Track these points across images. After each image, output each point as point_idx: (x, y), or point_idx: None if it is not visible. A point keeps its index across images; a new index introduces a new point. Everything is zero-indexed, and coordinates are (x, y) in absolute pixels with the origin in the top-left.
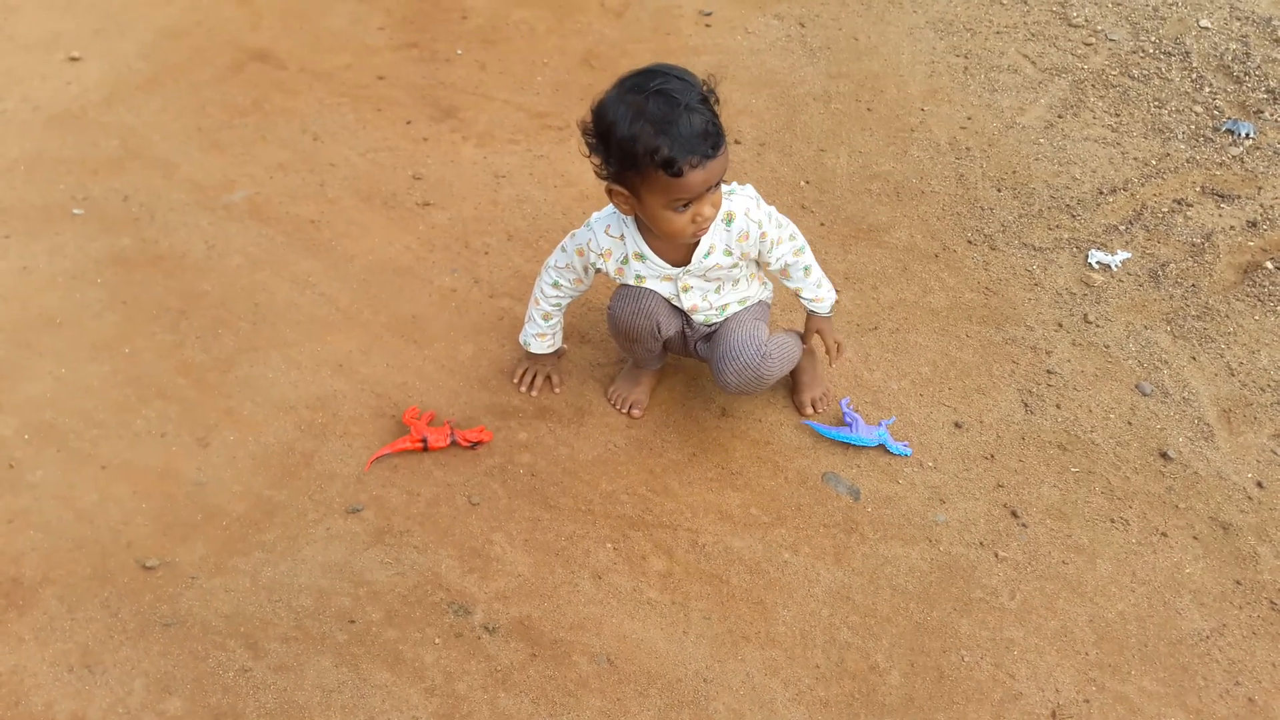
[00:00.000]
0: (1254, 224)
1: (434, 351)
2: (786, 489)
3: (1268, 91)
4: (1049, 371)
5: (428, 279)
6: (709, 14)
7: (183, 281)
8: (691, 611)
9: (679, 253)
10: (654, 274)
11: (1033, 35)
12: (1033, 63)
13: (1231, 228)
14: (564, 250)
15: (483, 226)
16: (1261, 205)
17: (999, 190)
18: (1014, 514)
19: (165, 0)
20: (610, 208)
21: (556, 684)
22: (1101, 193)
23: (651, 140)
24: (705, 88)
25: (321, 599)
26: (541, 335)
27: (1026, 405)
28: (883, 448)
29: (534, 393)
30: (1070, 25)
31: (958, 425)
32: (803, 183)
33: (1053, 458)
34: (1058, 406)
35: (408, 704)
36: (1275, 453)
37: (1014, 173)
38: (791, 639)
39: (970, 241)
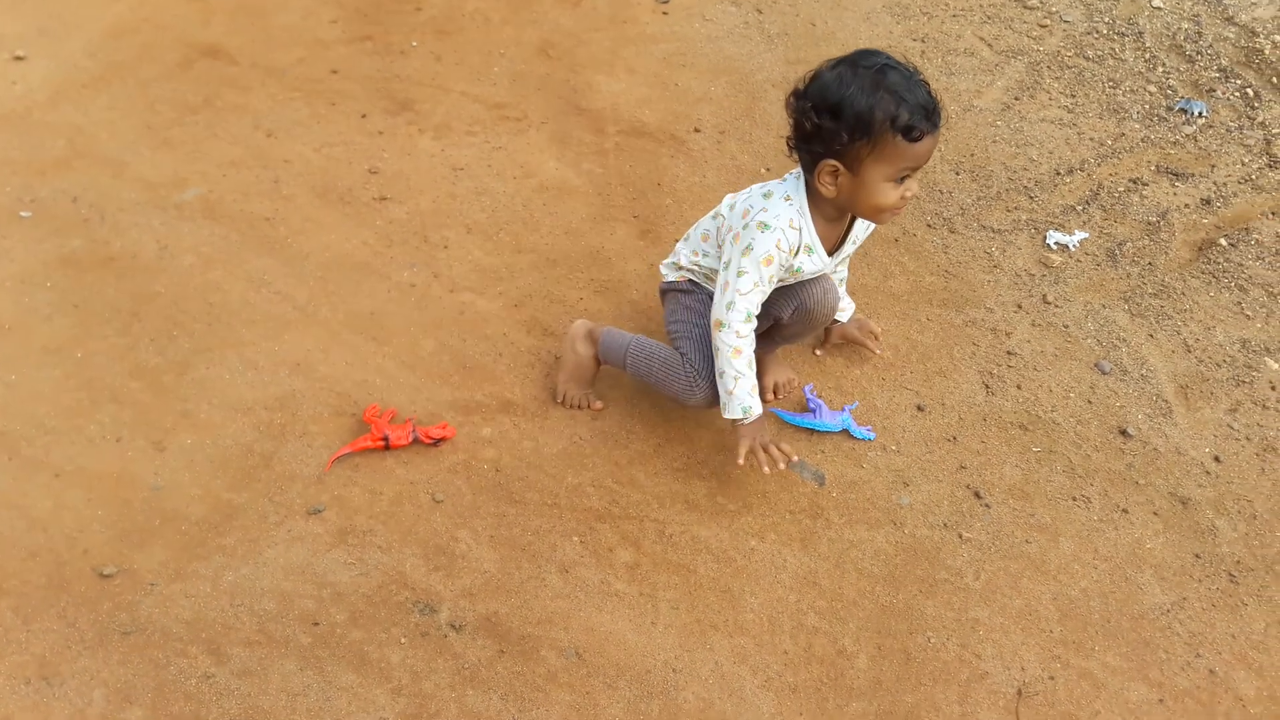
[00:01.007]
0: (1208, 201)
1: (394, 348)
2: (752, 477)
3: (1219, 70)
4: (1009, 352)
5: (386, 274)
6: (666, 1)
7: (135, 283)
8: (659, 602)
9: (832, 243)
10: (813, 266)
11: (989, 18)
12: (989, 45)
13: (1186, 206)
14: (747, 273)
15: (441, 220)
16: (1215, 183)
17: (957, 173)
18: (977, 495)
19: None
20: (775, 202)
21: (525, 679)
22: (1058, 174)
23: (892, 107)
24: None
25: (284, 602)
26: (755, 387)
27: (987, 386)
28: (846, 433)
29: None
30: (1025, 7)
31: (920, 408)
32: (763, 170)
33: (1014, 438)
34: (1018, 387)
35: (374, 705)
36: (1232, 427)
37: (972, 155)
38: (759, 626)
39: (930, 225)
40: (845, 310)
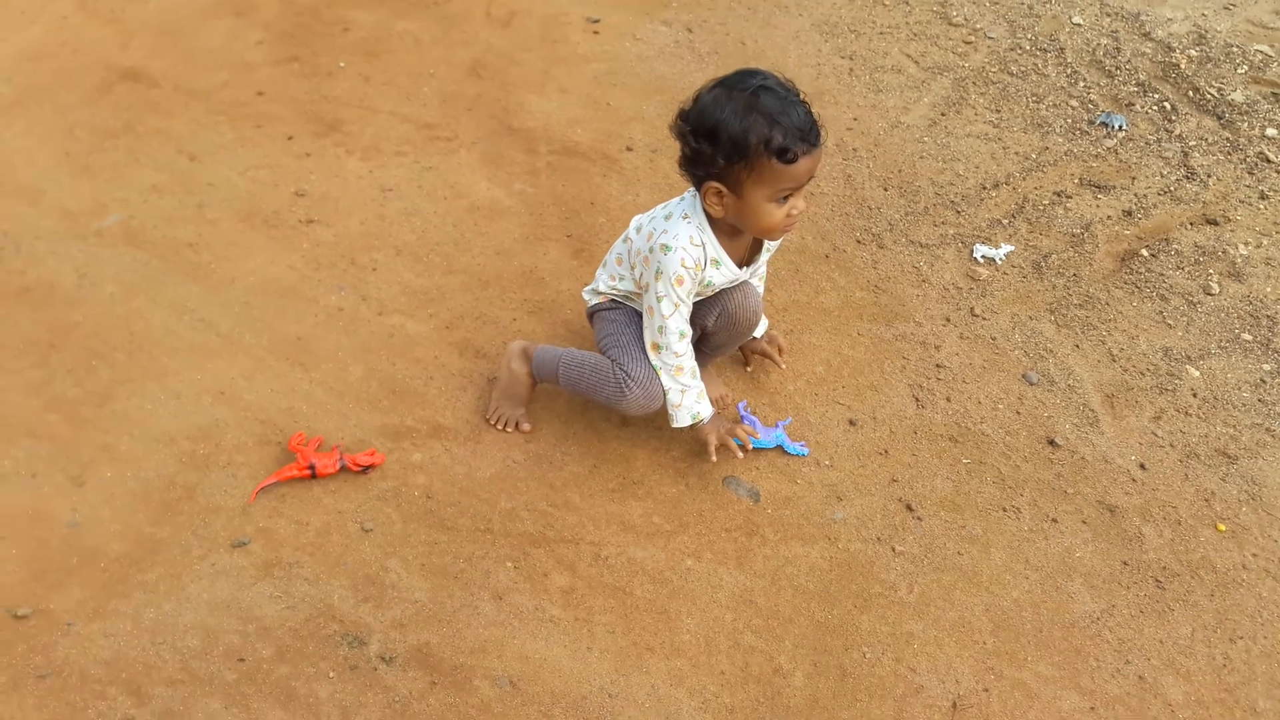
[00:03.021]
0: (1129, 213)
1: (321, 374)
2: (688, 495)
3: (1138, 85)
4: (938, 365)
5: (313, 299)
6: (596, 21)
7: (52, 313)
8: (595, 626)
9: (740, 254)
10: (724, 279)
11: (915, 35)
12: (915, 62)
13: (1109, 217)
14: (665, 297)
15: (370, 242)
16: (1136, 195)
17: (885, 189)
18: (909, 508)
19: (27, 21)
20: (674, 223)
21: (457, 711)
22: (984, 188)
23: (765, 130)
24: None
25: (208, 638)
26: (702, 393)
27: (918, 400)
28: (781, 449)
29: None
30: (950, 24)
31: (852, 423)
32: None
33: (944, 450)
34: (948, 399)
35: None
36: (1156, 434)
37: (900, 171)
38: (696, 647)
39: (859, 241)
40: (760, 326)
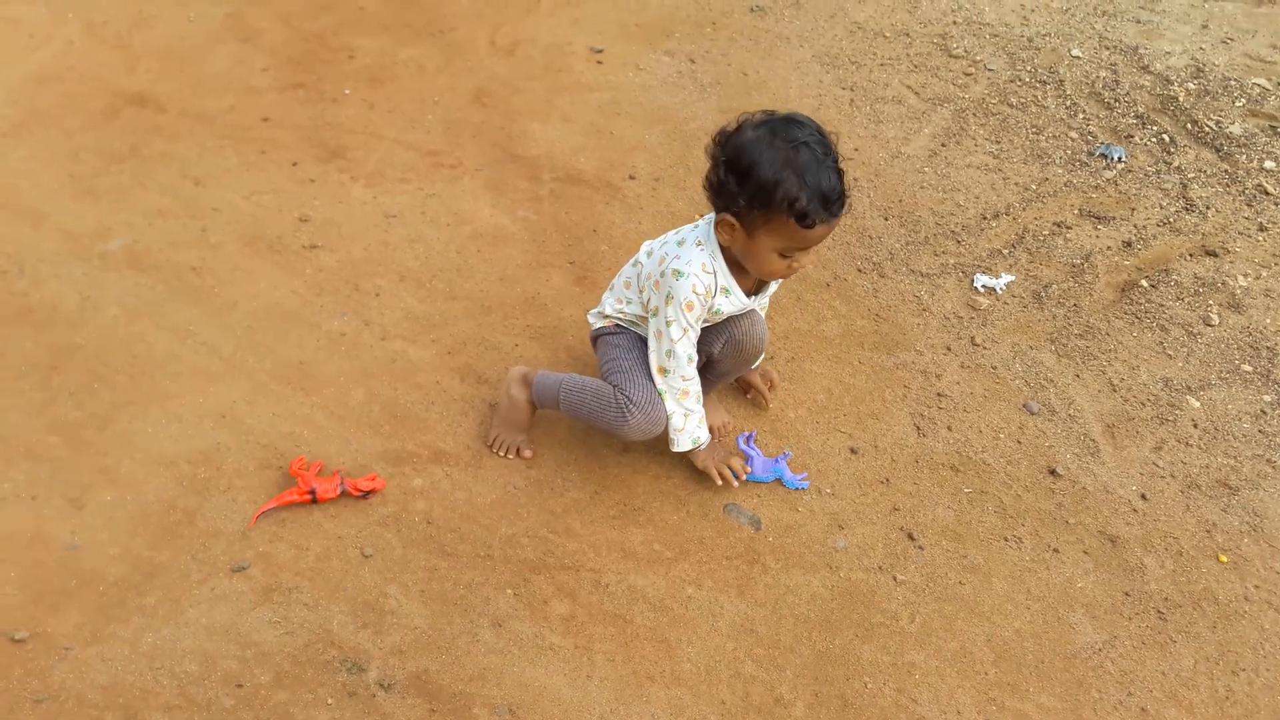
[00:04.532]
0: (1129, 244)
1: (323, 398)
2: (689, 523)
3: (1136, 116)
4: (939, 394)
5: (315, 323)
6: (600, 51)
7: (54, 335)
8: (595, 654)
9: (750, 284)
10: (732, 307)
11: (915, 66)
12: (916, 93)
13: (1109, 248)
14: (674, 321)
15: (373, 268)
16: (1135, 225)
17: (886, 219)
18: (910, 537)
19: (35, 45)
20: (688, 249)
21: None
22: (985, 218)
23: (794, 190)
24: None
25: (207, 663)
26: (703, 418)
27: (919, 428)
28: (780, 482)
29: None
30: (951, 56)
31: (853, 451)
32: (697, 216)
33: (946, 479)
34: (949, 428)
35: None
36: (1157, 465)
37: (900, 201)
38: (696, 676)
39: (860, 270)
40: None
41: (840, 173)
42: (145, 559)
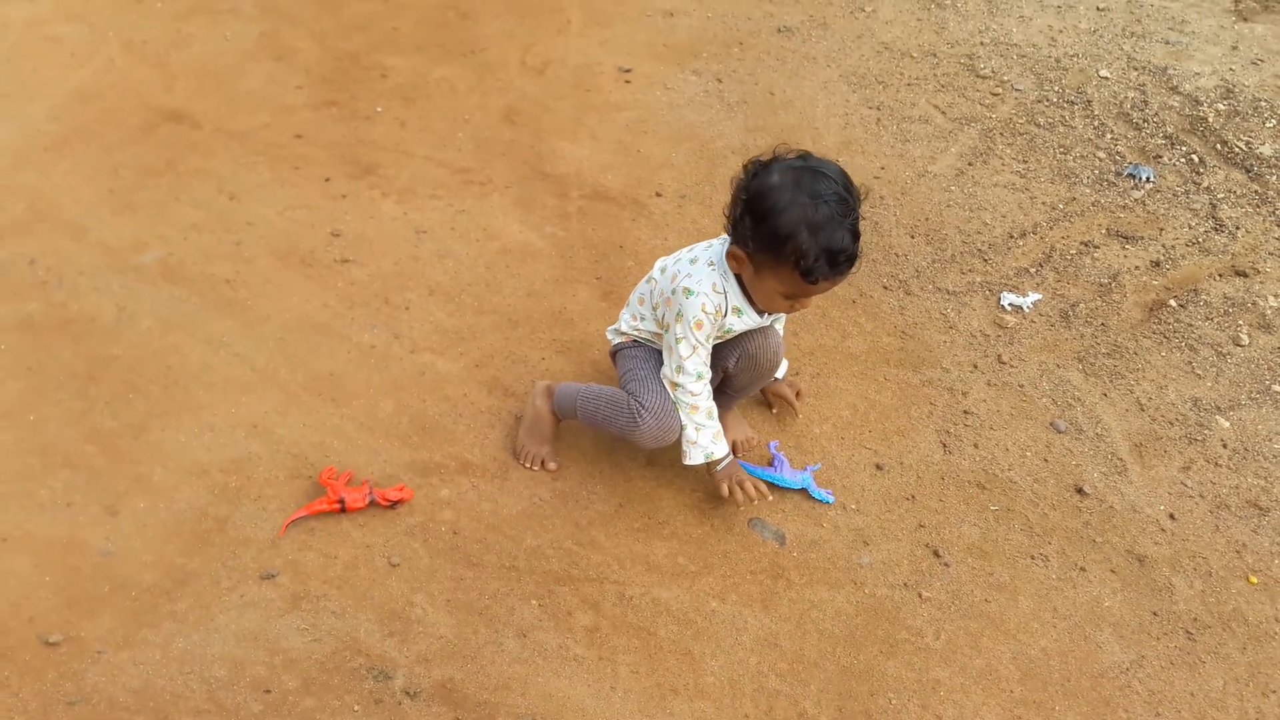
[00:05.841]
0: (1157, 264)
1: (352, 409)
2: (713, 536)
3: (1165, 137)
4: (966, 412)
5: (346, 336)
6: (628, 70)
7: (92, 346)
8: (619, 666)
9: None
10: (744, 325)
11: (942, 86)
12: (943, 113)
13: (1137, 268)
14: (684, 339)
15: (403, 282)
16: (1163, 245)
17: (913, 237)
18: (936, 554)
19: (76, 63)
20: (699, 268)
21: None
22: (1012, 236)
23: (805, 245)
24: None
25: (236, 669)
26: (719, 434)
27: (945, 445)
28: (806, 492)
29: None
30: (978, 76)
31: (879, 467)
32: (723, 233)
33: (972, 496)
34: (975, 446)
35: None
36: (1185, 484)
37: (927, 220)
38: (720, 689)
39: (886, 287)
40: (780, 368)
41: (856, 235)
42: (177, 565)
